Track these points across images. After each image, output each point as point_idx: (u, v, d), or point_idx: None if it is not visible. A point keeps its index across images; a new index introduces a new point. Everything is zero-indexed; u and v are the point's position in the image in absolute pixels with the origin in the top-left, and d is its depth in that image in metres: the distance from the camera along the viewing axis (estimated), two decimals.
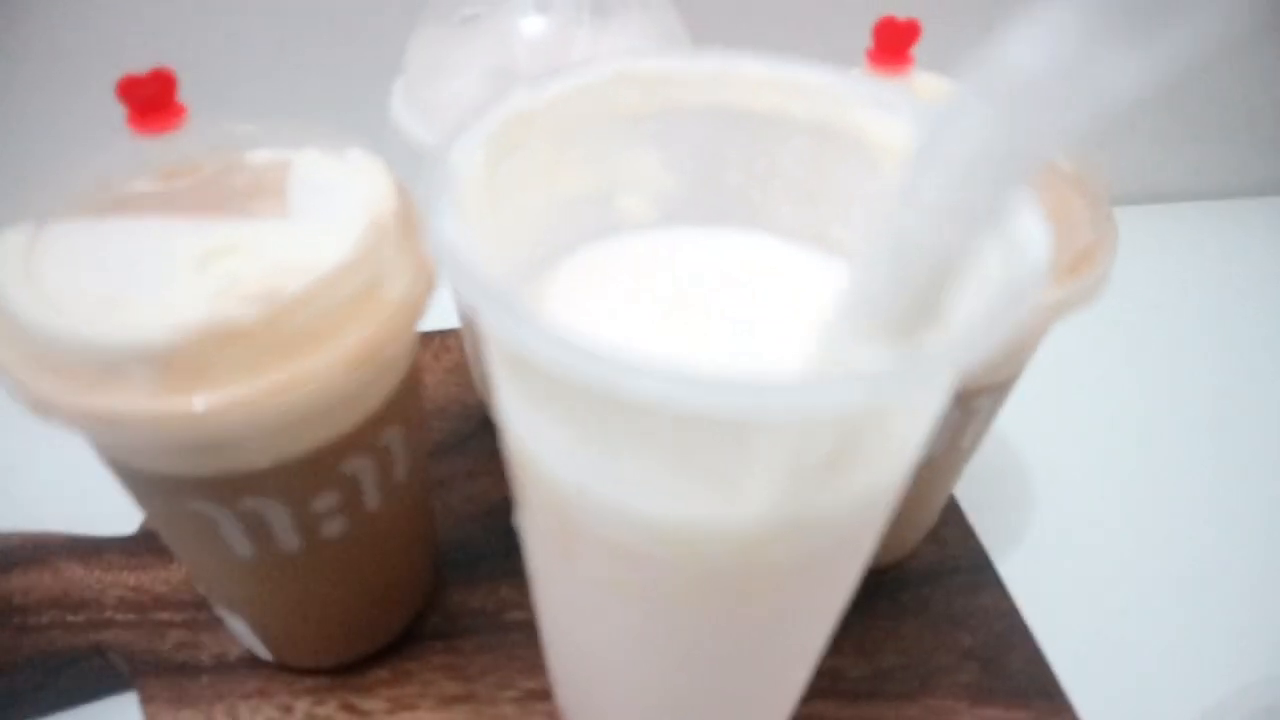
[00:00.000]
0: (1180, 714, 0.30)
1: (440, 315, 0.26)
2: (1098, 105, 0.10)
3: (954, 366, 0.12)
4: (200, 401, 0.18)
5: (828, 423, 0.14)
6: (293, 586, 0.25)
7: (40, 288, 0.19)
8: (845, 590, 0.20)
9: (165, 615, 0.30)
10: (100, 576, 0.31)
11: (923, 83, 0.26)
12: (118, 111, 0.21)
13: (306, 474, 0.22)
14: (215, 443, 0.20)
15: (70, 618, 0.29)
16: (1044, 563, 0.35)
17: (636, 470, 0.15)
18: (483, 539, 0.33)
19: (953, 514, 0.35)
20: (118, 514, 0.30)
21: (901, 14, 0.25)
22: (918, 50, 0.26)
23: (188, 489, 0.21)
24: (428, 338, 0.41)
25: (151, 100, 0.21)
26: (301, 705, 0.28)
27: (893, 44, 0.25)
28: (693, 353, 0.18)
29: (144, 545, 0.31)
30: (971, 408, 0.26)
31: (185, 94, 0.22)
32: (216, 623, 0.29)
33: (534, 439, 0.16)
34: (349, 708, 0.28)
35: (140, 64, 0.21)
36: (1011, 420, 0.34)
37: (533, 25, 0.28)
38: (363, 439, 0.22)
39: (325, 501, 0.23)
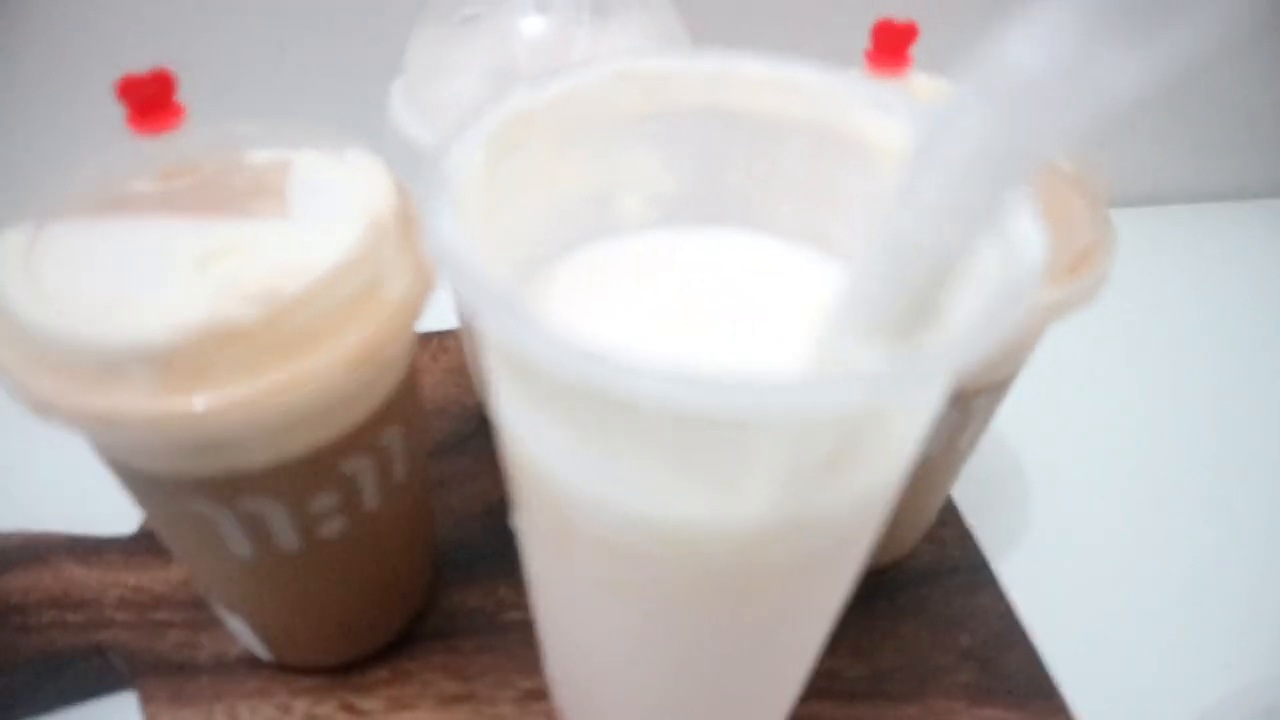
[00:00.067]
0: (1178, 715, 0.30)
1: (439, 315, 0.26)
2: (1097, 105, 0.10)
3: (952, 366, 0.12)
4: (200, 401, 0.18)
5: (827, 423, 0.14)
6: (292, 586, 0.25)
7: (40, 288, 0.19)
8: (844, 589, 0.20)
9: (165, 615, 0.30)
10: (100, 576, 0.31)
11: (921, 84, 0.26)
12: (117, 111, 0.21)
13: (306, 474, 0.22)
14: (215, 443, 0.20)
15: (70, 617, 0.29)
16: (1042, 563, 0.35)
17: (635, 470, 0.15)
18: (482, 539, 0.33)
19: (950, 514, 0.35)
20: (117, 514, 0.30)
21: (900, 15, 0.25)
22: (916, 51, 0.26)
23: (187, 489, 0.21)
24: (427, 338, 0.41)
25: (151, 100, 0.21)
26: (301, 705, 0.28)
27: (891, 46, 0.25)
28: (692, 353, 0.18)
29: (144, 545, 0.31)
30: (969, 408, 0.26)
31: (185, 94, 0.22)
32: (216, 622, 0.29)
33: (533, 439, 0.16)
34: (348, 707, 0.28)
35: (140, 64, 0.21)
36: (1010, 421, 0.34)
37: (533, 25, 0.28)
38: (362, 439, 0.22)
39: (324, 501, 0.23)
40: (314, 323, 0.19)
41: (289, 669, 0.28)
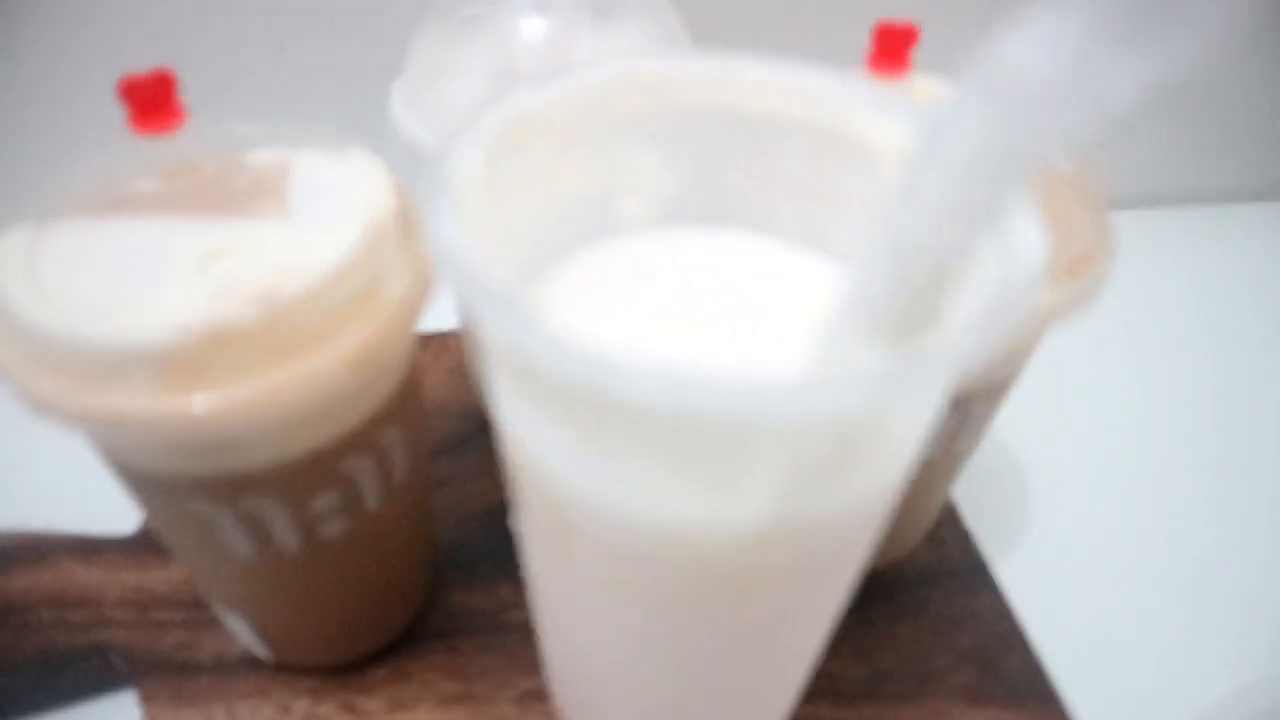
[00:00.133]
0: (1178, 715, 0.30)
1: (440, 316, 0.26)
2: (1098, 107, 0.10)
3: (952, 368, 0.12)
4: (200, 402, 0.18)
5: (827, 426, 0.14)
6: (292, 586, 0.25)
7: (41, 288, 0.19)
8: (844, 590, 0.20)
9: (165, 614, 0.30)
10: (100, 576, 0.31)
11: (921, 86, 0.26)
12: (118, 112, 0.21)
13: (306, 474, 0.22)
14: (215, 443, 0.20)
15: (70, 617, 0.29)
16: (1041, 565, 0.35)
17: (636, 471, 0.15)
18: (482, 539, 0.33)
19: (950, 516, 0.35)
20: (118, 513, 0.30)
21: (900, 15, 0.25)
22: (916, 53, 0.26)
23: (187, 489, 0.21)
24: (427, 338, 0.41)
25: (153, 101, 0.21)
26: (301, 704, 0.28)
27: (891, 48, 0.25)
28: (692, 353, 0.18)
29: (144, 545, 0.32)
30: (969, 409, 0.26)
31: (185, 94, 0.22)
32: (216, 622, 0.29)
33: (533, 440, 0.16)
34: (348, 707, 0.28)
35: (140, 64, 0.21)
36: (1009, 422, 0.34)
37: (533, 26, 0.28)
38: (362, 439, 0.22)
39: (325, 502, 0.23)
40: (314, 323, 0.19)
41: (289, 669, 0.28)
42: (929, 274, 0.13)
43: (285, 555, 0.23)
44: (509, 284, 0.18)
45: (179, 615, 0.30)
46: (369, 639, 0.29)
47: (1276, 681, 0.30)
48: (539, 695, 0.28)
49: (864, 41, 0.26)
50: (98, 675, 0.29)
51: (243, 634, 0.27)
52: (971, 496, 0.36)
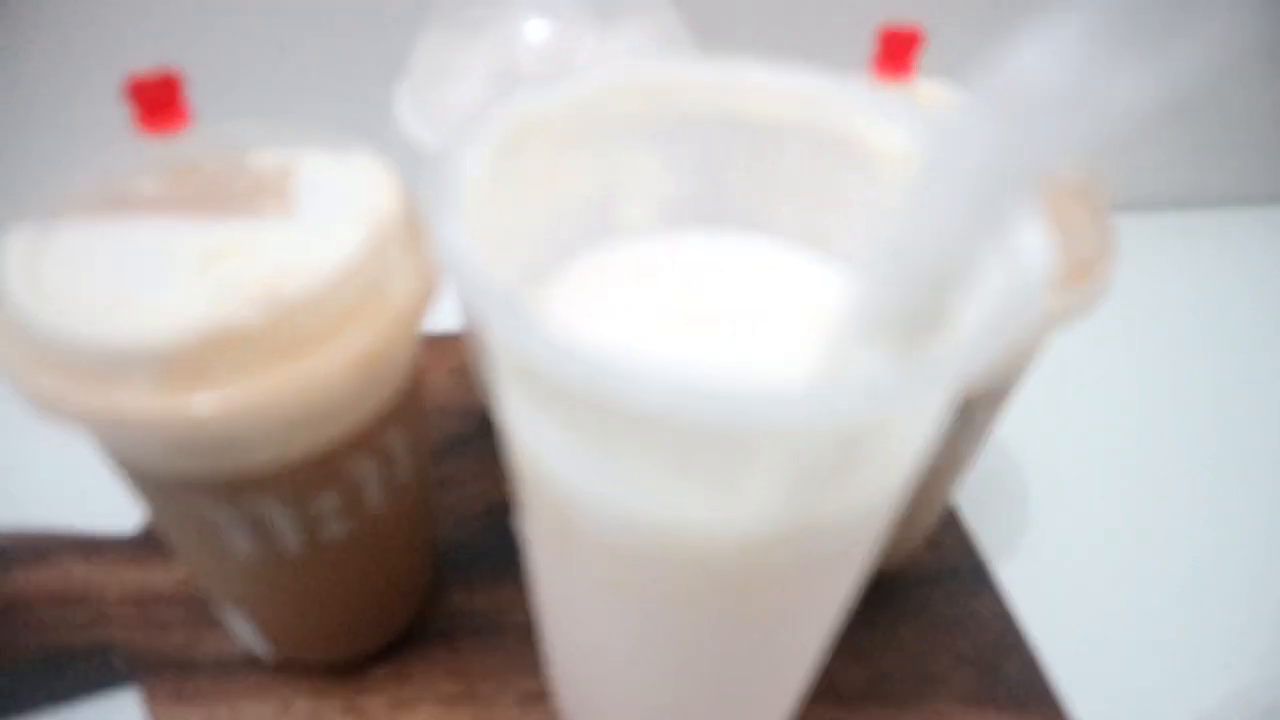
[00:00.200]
0: (1178, 716, 0.30)
1: (443, 317, 0.26)
2: (1107, 117, 0.10)
3: (956, 375, 0.12)
4: (202, 403, 0.18)
5: (830, 432, 0.14)
6: (294, 586, 0.25)
7: (43, 288, 0.19)
8: (846, 592, 0.20)
9: (167, 613, 0.30)
10: (102, 574, 0.31)
11: (925, 90, 0.26)
12: (121, 112, 0.21)
13: (309, 475, 0.22)
14: (217, 444, 0.20)
15: (71, 616, 0.29)
16: (1042, 568, 0.35)
17: (636, 472, 0.15)
18: (483, 539, 0.33)
19: (951, 519, 0.35)
20: (120, 512, 0.30)
21: (904, 17, 0.25)
22: (921, 57, 0.26)
23: (189, 489, 0.21)
24: (430, 340, 0.41)
25: (159, 101, 0.21)
26: (302, 704, 0.28)
27: (896, 52, 0.25)
28: (693, 354, 0.18)
29: (146, 543, 0.32)
30: (971, 413, 0.26)
31: (190, 95, 0.22)
32: (217, 621, 0.29)
33: (536, 441, 0.16)
34: (349, 707, 0.28)
35: (144, 65, 0.21)
36: (1011, 427, 0.34)
37: (536, 28, 0.28)
38: (365, 441, 0.23)
39: (327, 503, 0.23)
40: (317, 324, 0.19)
41: (290, 668, 0.28)
42: (936, 281, 0.13)
43: (286, 555, 0.23)
44: (512, 286, 0.18)
45: (180, 614, 0.30)
46: (370, 638, 0.29)
47: (1276, 681, 0.30)
48: (540, 695, 0.28)
49: (867, 43, 0.26)
50: (99, 674, 0.29)
51: (244, 633, 0.27)
52: (972, 499, 0.36)
